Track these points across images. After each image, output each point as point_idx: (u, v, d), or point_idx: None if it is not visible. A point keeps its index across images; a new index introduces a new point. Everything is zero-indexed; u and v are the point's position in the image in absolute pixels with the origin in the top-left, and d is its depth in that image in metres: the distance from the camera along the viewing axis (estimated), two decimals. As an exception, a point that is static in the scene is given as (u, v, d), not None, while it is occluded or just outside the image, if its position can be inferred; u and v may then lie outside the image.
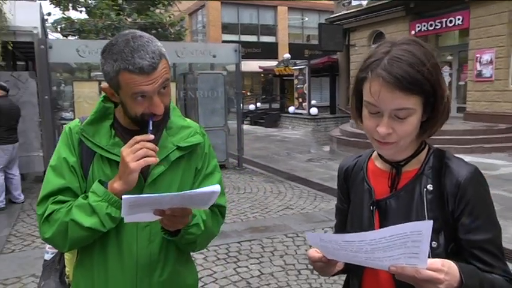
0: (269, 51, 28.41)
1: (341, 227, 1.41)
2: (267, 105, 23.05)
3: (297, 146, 13.20)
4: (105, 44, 1.32)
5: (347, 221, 1.35)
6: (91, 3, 14.70)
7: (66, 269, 1.56)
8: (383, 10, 15.41)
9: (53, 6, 14.71)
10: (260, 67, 25.45)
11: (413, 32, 14.68)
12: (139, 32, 1.31)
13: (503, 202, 6.33)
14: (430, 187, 1.15)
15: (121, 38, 1.29)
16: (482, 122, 12.05)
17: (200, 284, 4.01)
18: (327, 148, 13.06)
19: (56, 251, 1.62)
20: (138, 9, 14.03)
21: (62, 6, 14.49)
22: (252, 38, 29.11)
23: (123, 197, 1.14)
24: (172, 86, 9.58)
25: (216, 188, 1.16)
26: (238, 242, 5.05)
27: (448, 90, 1.15)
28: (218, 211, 1.55)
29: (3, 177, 6.59)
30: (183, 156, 1.46)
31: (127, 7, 13.95)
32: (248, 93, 27.75)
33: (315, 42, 29.10)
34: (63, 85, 15.25)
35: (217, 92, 9.74)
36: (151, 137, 1.27)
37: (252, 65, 25.20)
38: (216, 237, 1.53)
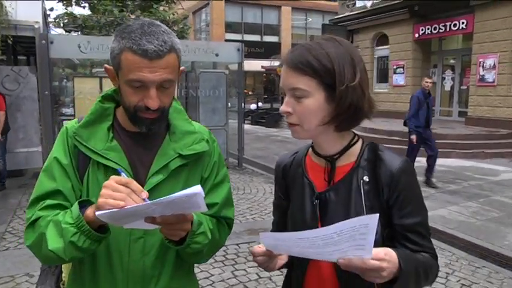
0: (272, 51, 28.36)
1: (280, 224, 1.44)
2: (268, 105, 23.00)
3: (297, 146, 13.06)
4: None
5: (287, 216, 1.38)
6: (94, -1, 14.70)
7: (63, 274, 1.49)
8: (387, 12, 15.33)
9: (56, 1, 14.66)
10: (263, 67, 25.41)
11: (416, 35, 14.62)
12: (158, 22, 1.25)
13: (504, 208, 6.28)
14: (366, 178, 1.22)
15: (138, 21, 1.24)
16: (483, 127, 11.99)
17: (197, 286, 3.97)
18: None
19: None
20: (142, 6, 13.97)
21: (65, 1, 14.45)
22: (255, 38, 29.09)
23: (97, 213, 1.06)
24: (173, 84, 9.53)
25: (196, 189, 1.02)
26: (237, 244, 4.99)
27: (357, 79, 1.17)
28: (226, 223, 1.46)
29: None
30: (186, 164, 1.35)
31: (130, 4, 13.88)
32: (250, 93, 27.70)
33: (318, 42, 29.07)
34: (65, 81, 15.22)
35: (218, 91, 9.69)
36: (145, 194, 1.11)
37: (254, 65, 25.15)
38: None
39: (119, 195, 1.07)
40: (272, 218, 1.52)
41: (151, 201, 1.05)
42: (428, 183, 7.64)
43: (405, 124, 8.05)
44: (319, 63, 1.15)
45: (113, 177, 1.12)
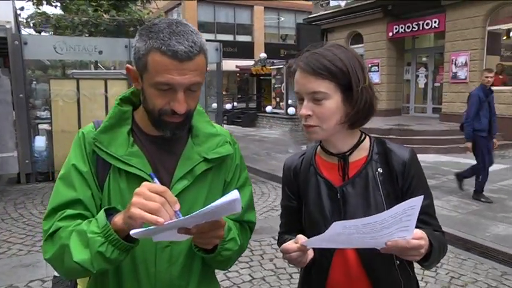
0: (245, 50, 28.30)
1: (288, 224, 1.52)
2: (243, 105, 22.94)
3: (276, 145, 13.15)
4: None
5: (302, 216, 1.43)
6: (66, -2, 14.26)
7: (78, 287, 1.43)
8: (361, 11, 15.52)
9: (25, 0, 14.19)
10: (237, 66, 25.32)
11: (390, 34, 14.86)
12: (185, 21, 1.18)
13: (483, 202, 6.42)
14: (380, 170, 1.34)
15: (165, 20, 1.17)
16: (458, 123, 12.19)
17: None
18: (305, 147, 13.00)
19: None
20: (116, 6, 13.66)
21: (35, 1, 13.98)
22: (228, 37, 28.93)
23: (131, 232, 1.01)
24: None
25: (234, 195, 0.98)
26: (226, 245, 4.93)
27: (367, 80, 1.29)
28: (248, 227, 1.43)
29: None
30: (211, 168, 1.30)
31: (105, 3, 13.54)
32: (224, 93, 27.59)
33: (291, 42, 29.23)
34: (34, 83, 14.77)
35: (197, 92, 9.59)
36: (178, 206, 1.04)
37: (228, 64, 24.98)
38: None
39: (153, 205, 1.00)
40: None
41: (190, 215, 0.99)
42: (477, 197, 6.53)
43: (462, 129, 6.59)
44: (335, 67, 1.24)
45: (146, 184, 1.05)
